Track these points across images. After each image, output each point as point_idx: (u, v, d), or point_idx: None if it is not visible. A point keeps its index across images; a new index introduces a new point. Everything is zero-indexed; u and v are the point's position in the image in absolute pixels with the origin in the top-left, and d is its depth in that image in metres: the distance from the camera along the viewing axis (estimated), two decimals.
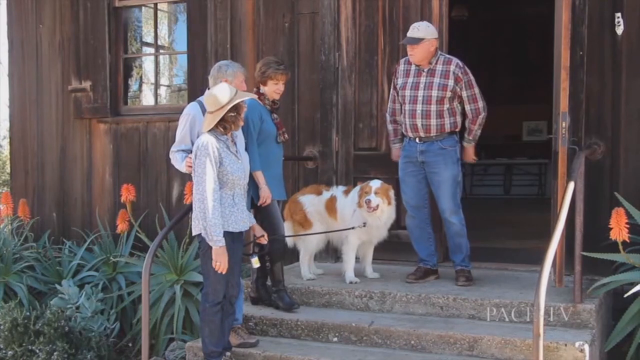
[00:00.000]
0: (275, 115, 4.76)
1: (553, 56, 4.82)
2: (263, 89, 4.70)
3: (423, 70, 4.89)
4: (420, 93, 4.87)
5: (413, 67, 4.94)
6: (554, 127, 4.73)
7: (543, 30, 6.92)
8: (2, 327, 5.15)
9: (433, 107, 4.84)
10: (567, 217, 3.97)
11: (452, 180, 4.88)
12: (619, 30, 4.97)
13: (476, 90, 4.92)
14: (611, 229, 4.26)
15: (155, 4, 7.05)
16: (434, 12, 5.49)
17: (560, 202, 4.10)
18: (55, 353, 4.98)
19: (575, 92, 4.89)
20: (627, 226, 4.25)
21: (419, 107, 4.86)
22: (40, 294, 6.15)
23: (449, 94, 4.84)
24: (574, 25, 4.76)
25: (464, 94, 4.89)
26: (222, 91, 3.99)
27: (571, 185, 4.11)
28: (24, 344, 5.09)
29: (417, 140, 4.93)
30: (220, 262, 3.97)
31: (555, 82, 4.72)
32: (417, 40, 4.79)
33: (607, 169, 5.06)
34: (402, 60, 5.09)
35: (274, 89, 4.69)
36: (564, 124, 4.47)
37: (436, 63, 4.88)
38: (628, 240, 4.28)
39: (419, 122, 4.87)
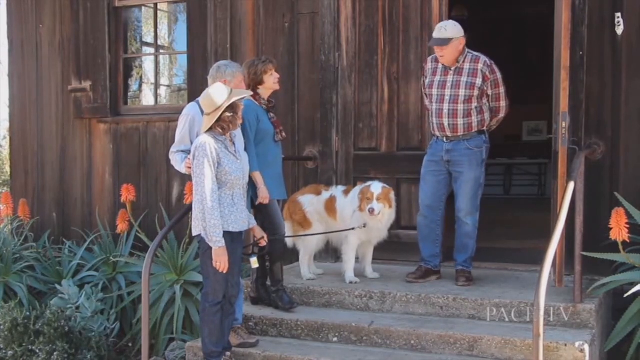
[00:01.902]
0: (272, 115, 4.75)
1: (553, 56, 4.82)
2: (261, 88, 4.69)
3: (450, 69, 4.85)
4: (448, 92, 4.83)
5: (440, 66, 4.89)
6: (554, 127, 4.73)
7: (543, 30, 6.92)
8: (2, 327, 5.15)
9: (460, 107, 4.79)
10: (567, 217, 3.97)
11: (474, 181, 4.84)
12: (619, 30, 4.96)
13: (501, 89, 4.88)
14: (611, 229, 4.26)
15: (155, 4, 7.05)
16: (434, 12, 5.49)
17: (560, 202, 4.10)
18: (55, 353, 4.98)
19: (575, 92, 4.89)
20: (627, 226, 4.25)
21: (445, 106, 4.82)
22: (40, 294, 6.15)
23: (476, 92, 4.79)
24: (574, 25, 4.76)
25: (490, 92, 4.86)
26: (217, 92, 3.99)
27: (571, 185, 4.11)
28: (24, 344, 5.09)
29: (444, 139, 4.90)
30: (220, 262, 3.98)
31: (555, 82, 4.72)
32: (446, 41, 4.72)
33: (607, 169, 5.06)
34: (429, 59, 5.05)
35: (272, 80, 4.69)
36: (564, 124, 4.47)
37: (464, 61, 4.83)
38: (628, 240, 4.28)
39: (445, 121, 4.83)
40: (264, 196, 4.53)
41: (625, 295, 4.31)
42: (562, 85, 4.50)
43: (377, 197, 4.82)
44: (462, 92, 4.79)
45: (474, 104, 4.81)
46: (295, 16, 6.05)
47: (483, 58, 4.86)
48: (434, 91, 4.90)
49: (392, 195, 4.96)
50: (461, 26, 4.83)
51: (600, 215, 4.83)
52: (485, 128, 4.94)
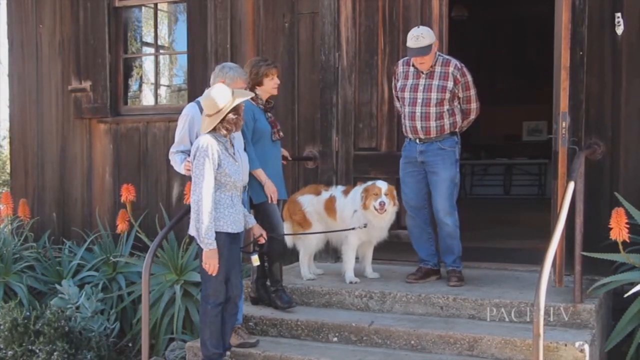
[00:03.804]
0: (269, 114, 4.76)
1: (553, 56, 4.82)
2: (259, 89, 4.69)
3: (422, 72, 4.88)
4: (420, 95, 4.86)
5: (412, 69, 4.93)
6: (554, 127, 4.73)
7: (543, 30, 6.92)
8: (2, 327, 5.15)
9: (432, 110, 4.83)
10: (567, 217, 3.97)
11: (449, 181, 4.87)
12: (619, 30, 4.97)
13: (472, 92, 4.92)
14: (611, 228, 4.26)
15: (155, 4, 7.06)
16: (434, 12, 5.49)
17: (560, 202, 4.10)
18: (55, 353, 4.98)
19: (575, 92, 4.89)
20: (627, 226, 4.25)
21: (418, 109, 4.86)
22: (40, 294, 6.14)
23: (448, 95, 4.83)
24: (574, 25, 4.76)
25: (461, 94, 4.89)
26: (220, 94, 3.96)
27: (571, 185, 4.12)
28: (24, 344, 5.09)
29: (417, 141, 4.93)
30: (210, 264, 3.96)
31: (555, 82, 4.72)
32: (427, 50, 4.73)
33: (607, 169, 5.06)
34: (400, 62, 5.08)
35: (271, 84, 4.69)
36: (564, 124, 4.47)
37: (435, 64, 4.86)
38: (628, 240, 4.28)
39: (418, 124, 4.86)
40: (272, 190, 4.54)
41: (625, 295, 4.31)
42: (562, 85, 4.50)
43: (385, 192, 4.84)
44: (434, 95, 4.82)
45: (446, 107, 4.85)
46: (295, 16, 6.05)
47: (454, 61, 4.88)
48: (406, 94, 4.92)
49: (395, 193, 4.99)
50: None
51: (600, 215, 4.83)
52: (457, 130, 4.97)
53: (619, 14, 4.95)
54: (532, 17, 9.77)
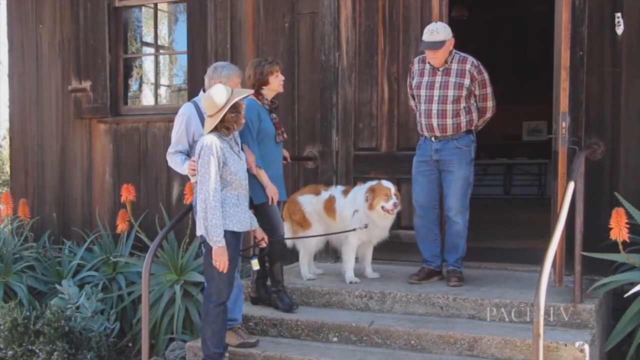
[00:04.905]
0: (274, 115, 4.76)
1: (553, 56, 4.82)
2: (265, 89, 4.69)
3: (438, 70, 4.87)
4: (436, 92, 4.85)
5: (428, 66, 4.92)
6: (554, 127, 4.73)
7: (543, 30, 6.92)
8: (2, 327, 5.15)
9: (449, 107, 4.82)
10: (567, 217, 3.97)
11: (463, 180, 4.86)
12: (619, 30, 4.97)
13: (488, 90, 4.91)
14: (611, 228, 4.26)
15: (155, 4, 7.06)
16: (434, 12, 5.49)
17: (560, 202, 4.10)
18: (55, 353, 4.98)
19: (575, 92, 4.89)
20: (627, 226, 4.25)
21: (434, 106, 4.84)
22: (40, 294, 6.15)
23: (464, 92, 4.82)
24: (574, 25, 4.76)
25: (477, 92, 4.89)
26: (218, 93, 3.98)
27: (571, 185, 4.12)
28: (24, 344, 5.08)
29: (432, 139, 4.92)
30: (220, 262, 3.97)
31: (555, 82, 4.72)
32: (440, 45, 4.73)
33: (607, 169, 5.06)
34: (416, 59, 5.07)
35: (277, 82, 4.70)
36: (564, 124, 4.47)
37: (451, 62, 4.85)
38: (628, 240, 4.28)
39: (434, 121, 4.85)
40: (274, 192, 4.54)
41: (626, 295, 4.31)
42: (562, 85, 4.50)
43: (394, 192, 4.86)
44: (450, 92, 4.81)
45: (462, 104, 4.84)
46: (295, 16, 6.05)
47: (470, 59, 4.88)
48: (422, 92, 4.91)
49: (398, 192, 5.00)
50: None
51: (600, 215, 4.83)
52: (472, 128, 4.96)
53: (619, 14, 4.95)
54: (532, 17, 9.77)
